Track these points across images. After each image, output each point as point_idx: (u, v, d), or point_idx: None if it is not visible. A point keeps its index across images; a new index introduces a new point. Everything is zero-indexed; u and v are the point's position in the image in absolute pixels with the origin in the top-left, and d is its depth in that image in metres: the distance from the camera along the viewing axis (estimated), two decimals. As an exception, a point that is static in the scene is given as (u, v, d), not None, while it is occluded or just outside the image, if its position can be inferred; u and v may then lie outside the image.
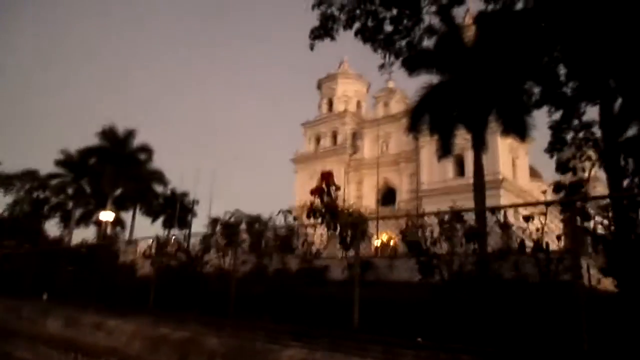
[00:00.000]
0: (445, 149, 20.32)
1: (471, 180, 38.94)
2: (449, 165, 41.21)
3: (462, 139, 38.95)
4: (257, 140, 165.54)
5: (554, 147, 12.16)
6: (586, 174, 12.15)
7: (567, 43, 12.37)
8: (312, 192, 23.30)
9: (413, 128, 20.30)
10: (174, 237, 10.59)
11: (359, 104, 53.95)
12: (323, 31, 8.98)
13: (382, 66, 14.21)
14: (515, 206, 5.46)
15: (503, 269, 4.63)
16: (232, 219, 57.94)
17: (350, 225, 7.86)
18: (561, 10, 11.42)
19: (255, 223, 44.26)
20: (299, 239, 9.36)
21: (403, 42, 9.89)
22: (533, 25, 12.27)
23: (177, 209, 43.01)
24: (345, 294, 5.86)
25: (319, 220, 24.92)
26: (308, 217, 27.01)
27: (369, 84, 55.12)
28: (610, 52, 10.90)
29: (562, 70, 11.50)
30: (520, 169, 42.63)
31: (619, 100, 12.09)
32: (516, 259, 4.41)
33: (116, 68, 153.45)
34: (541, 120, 18.54)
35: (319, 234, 8.54)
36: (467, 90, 18.48)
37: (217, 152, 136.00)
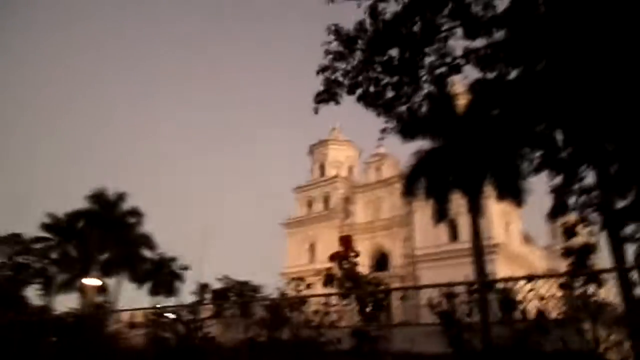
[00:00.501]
0: (440, 214, 20.26)
1: (466, 245, 38.74)
2: (442, 230, 40.95)
3: (456, 204, 39.23)
4: (247, 204, 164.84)
5: (556, 212, 12.10)
6: (593, 238, 12.02)
7: (561, 110, 12.71)
8: (332, 258, 22.40)
9: (408, 192, 20.36)
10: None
11: (350, 169, 54.60)
12: (327, 96, 9.11)
13: (384, 130, 14.40)
14: (554, 276, 5.22)
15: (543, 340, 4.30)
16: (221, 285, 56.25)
17: (370, 295, 7.44)
18: (554, 78, 11.78)
19: (247, 289, 43.08)
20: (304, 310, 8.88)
21: (403, 108, 10.04)
22: (527, 93, 12.63)
23: (165, 275, 41.67)
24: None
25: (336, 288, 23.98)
26: (325, 285, 26.03)
27: (360, 150, 56.19)
28: (606, 117, 11.16)
29: (559, 136, 11.73)
30: (513, 233, 42.56)
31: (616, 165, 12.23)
32: (561, 332, 4.13)
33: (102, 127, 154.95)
34: (535, 185, 18.73)
35: (332, 303, 8.09)
36: (462, 156, 18.75)
37: (207, 216, 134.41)
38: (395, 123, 10.84)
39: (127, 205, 39.10)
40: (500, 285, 5.79)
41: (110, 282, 40.69)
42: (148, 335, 7.84)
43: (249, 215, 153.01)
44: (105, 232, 36.68)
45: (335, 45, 8.78)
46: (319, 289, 23.94)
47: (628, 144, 11.53)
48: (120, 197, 38.91)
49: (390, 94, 9.67)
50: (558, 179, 11.69)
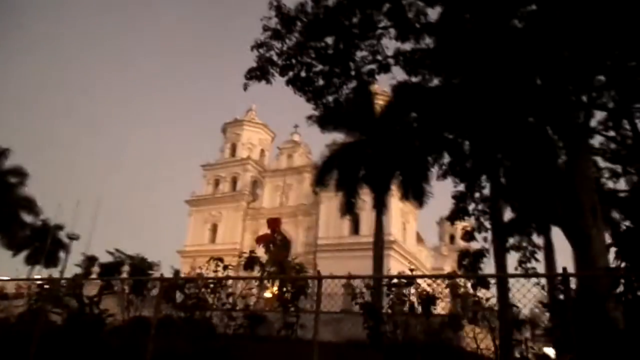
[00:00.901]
0: (348, 207, 20.79)
1: (364, 239, 40.43)
2: (345, 223, 42.29)
3: (360, 199, 40.60)
4: (150, 178, 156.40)
5: (456, 216, 12.99)
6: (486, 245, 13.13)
7: (468, 121, 13.66)
8: (258, 241, 21.54)
9: (319, 182, 20.62)
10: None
11: (262, 152, 54.01)
12: (260, 73, 8.84)
13: (310, 117, 14.39)
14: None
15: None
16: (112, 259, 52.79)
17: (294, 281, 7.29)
18: (467, 92, 12.59)
19: (142, 265, 40.64)
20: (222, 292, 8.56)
21: (331, 98, 10.10)
22: (443, 101, 13.38)
23: (47, 243, 37.97)
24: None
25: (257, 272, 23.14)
26: (245, 268, 25.19)
27: (274, 135, 55.76)
28: (501, 135, 12.22)
29: (466, 146, 12.60)
30: (409, 233, 45.21)
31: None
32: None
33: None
34: (435, 190, 20.02)
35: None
36: (375, 153, 19.39)
37: (105, 185, 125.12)
38: (322, 111, 10.90)
39: (9, 164, 35.00)
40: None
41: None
42: (30, 308, 6.97)
43: (152, 190, 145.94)
44: (-21, 190, 32.53)
45: (274, 22, 8.53)
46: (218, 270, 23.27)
47: (514, 161, 12.74)
48: (2, 153, 34.68)
49: (320, 82, 9.66)
50: (461, 186, 12.56)
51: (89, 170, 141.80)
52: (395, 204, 36.07)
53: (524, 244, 14.04)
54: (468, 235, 13.35)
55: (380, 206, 19.68)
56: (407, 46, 10.93)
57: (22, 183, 36.48)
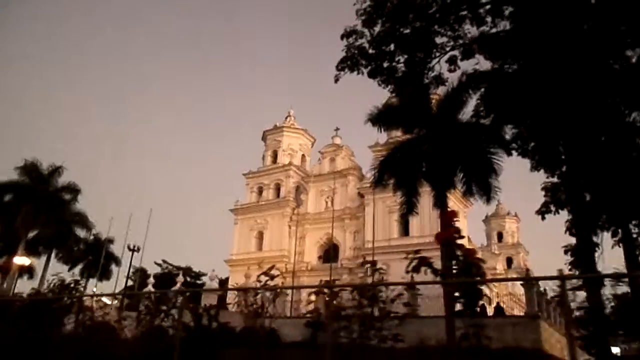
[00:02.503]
0: (409, 206, 19.86)
1: (415, 240, 39.24)
2: (393, 225, 41.36)
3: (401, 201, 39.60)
4: (196, 188, 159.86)
5: (547, 209, 12.02)
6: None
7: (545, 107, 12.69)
8: (439, 237, 19.41)
9: (379, 182, 19.77)
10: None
11: (303, 157, 53.74)
12: (350, 63, 8.31)
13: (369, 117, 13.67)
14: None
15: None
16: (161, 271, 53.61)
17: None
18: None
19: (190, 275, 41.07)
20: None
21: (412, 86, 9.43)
22: (520, 87, 12.43)
23: (101, 256, 38.79)
24: None
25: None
26: (415, 271, 24.51)
27: (314, 139, 55.39)
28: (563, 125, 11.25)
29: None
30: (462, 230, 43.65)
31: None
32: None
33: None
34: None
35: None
36: (436, 149, 18.46)
37: (153, 197, 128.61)
38: (381, 109, 10.27)
39: (62, 180, 35.98)
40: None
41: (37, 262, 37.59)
42: (141, 324, 6.61)
43: (198, 200, 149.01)
44: (36, 208, 33.46)
45: (365, 6, 7.96)
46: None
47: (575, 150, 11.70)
48: (56, 170, 35.67)
49: (402, 71, 9.01)
50: (550, 179, 11.59)
51: (137, 183, 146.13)
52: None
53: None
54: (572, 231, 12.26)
55: (444, 203, 18.67)
56: (483, 30, 10.15)
57: (75, 199, 37.44)
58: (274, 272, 6.95)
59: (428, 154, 18.87)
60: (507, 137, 14.75)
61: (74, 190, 36.70)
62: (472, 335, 4.27)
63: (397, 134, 43.46)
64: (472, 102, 18.34)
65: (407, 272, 7.12)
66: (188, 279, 49.95)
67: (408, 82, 9.20)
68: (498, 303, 23.69)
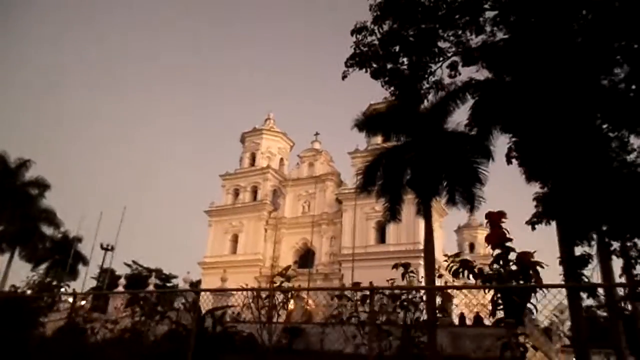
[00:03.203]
0: (392, 213, 19.76)
1: (392, 248, 39.23)
2: (370, 232, 41.35)
3: (383, 207, 39.48)
4: (171, 188, 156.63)
5: (539, 220, 12.08)
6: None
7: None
8: (490, 240, 18.14)
9: (364, 188, 19.61)
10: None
11: (281, 161, 53.25)
12: (359, 60, 8.08)
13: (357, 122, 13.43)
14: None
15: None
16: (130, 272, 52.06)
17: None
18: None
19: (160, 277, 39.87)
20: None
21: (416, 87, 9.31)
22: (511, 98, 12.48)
23: (70, 255, 37.30)
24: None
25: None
26: (455, 275, 23.81)
27: (293, 143, 55.01)
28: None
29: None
30: (437, 241, 43.96)
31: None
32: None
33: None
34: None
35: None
36: (421, 157, 18.45)
37: (126, 197, 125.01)
38: (367, 114, 10.13)
39: (30, 175, 34.49)
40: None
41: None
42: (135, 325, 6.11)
43: (171, 201, 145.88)
44: (1, 202, 31.98)
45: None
46: (240, 280, 21.50)
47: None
48: (23, 164, 34.17)
49: (403, 74, 8.87)
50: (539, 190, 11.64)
51: (111, 182, 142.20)
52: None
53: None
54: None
55: (427, 211, 18.65)
56: (483, 38, 10.13)
57: (42, 195, 35.95)
58: (290, 272, 6.58)
59: (414, 161, 18.85)
60: (507, 145, 14.86)
61: (42, 185, 35.26)
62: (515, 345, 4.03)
63: (377, 141, 43.79)
64: (458, 112, 18.52)
65: (391, 279, 6.91)
66: (158, 281, 48.63)
67: (410, 85, 9.07)
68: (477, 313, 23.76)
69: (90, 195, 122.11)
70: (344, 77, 8.34)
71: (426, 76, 9.18)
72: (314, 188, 45.91)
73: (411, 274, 7.31)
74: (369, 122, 19.23)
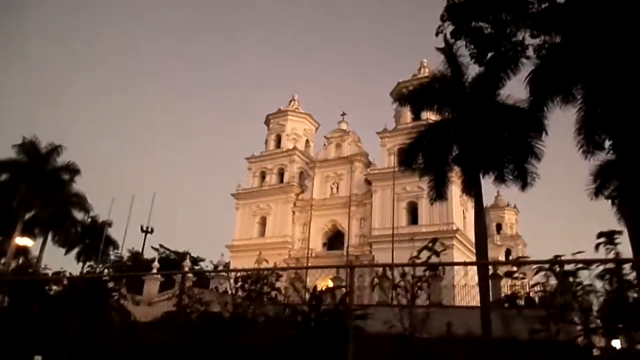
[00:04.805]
0: (438, 191, 18.83)
1: (424, 229, 38.23)
2: (402, 212, 40.43)
3: (416, 187, 38.34)
4: (197, 173, 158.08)
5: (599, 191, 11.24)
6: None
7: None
8: None
9: (408, 165, 18.70)
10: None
11: (307, 142, 52.46)
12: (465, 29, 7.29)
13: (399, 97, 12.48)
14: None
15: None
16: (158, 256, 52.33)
17: None
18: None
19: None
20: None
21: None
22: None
23: (101, 240, 37.51)
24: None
25: None
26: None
27: (318, 124, 54.10)
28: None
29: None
30: (468, 222, 42.86)
31: None
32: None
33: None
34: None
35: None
36: (471, 131, 17.41)
37: (155, 181, 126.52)
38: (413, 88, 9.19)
39: (61, 160, 34.47)
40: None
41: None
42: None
43: (200, 184, 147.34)
44: (33, 188, 32.01)
45: None
46: (269, 262, 20.77)
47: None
48: (55, 149, 34.12)
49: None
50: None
51: (138, 166, 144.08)
52: (455, 192, 33.89)
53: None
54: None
55: (478, 188, 17.67)
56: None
57: (73, 179, 36.00)
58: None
59: (461, 136, 17.85)
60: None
61: (73, 170, 35.20)
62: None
63: (407, 120, 42.58)
64: (510, 83, 17.33)
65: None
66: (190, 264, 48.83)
67: (492, 45, 8.18)
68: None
69: (116, 180, 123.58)
70: (437, 33, 7.53)
71: (507, 38, 8.27)
72: (342, 169, 45.06)
73: (443, 252, 6.62)
74: (412, 96, 18.20)
